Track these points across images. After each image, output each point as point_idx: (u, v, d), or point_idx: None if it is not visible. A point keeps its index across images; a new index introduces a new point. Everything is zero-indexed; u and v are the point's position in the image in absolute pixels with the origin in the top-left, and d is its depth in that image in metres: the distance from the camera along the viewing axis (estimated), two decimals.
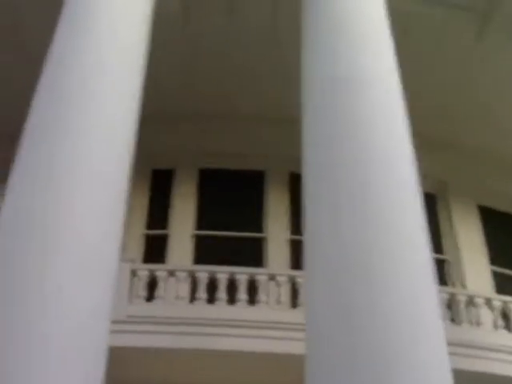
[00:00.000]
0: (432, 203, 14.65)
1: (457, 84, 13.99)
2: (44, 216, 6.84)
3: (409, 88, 8.72)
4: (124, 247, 7.68)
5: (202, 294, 10.89)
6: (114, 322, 7.23)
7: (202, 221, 14.10)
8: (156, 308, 10.68)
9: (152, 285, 11.03)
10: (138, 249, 13.43)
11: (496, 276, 14.00)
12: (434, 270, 6.94)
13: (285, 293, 11.02)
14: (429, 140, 13.79)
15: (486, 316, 11.50)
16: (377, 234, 6.81)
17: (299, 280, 10.95)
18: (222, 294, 10.91)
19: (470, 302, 11.54)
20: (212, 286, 11.05)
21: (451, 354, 6.44)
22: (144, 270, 11.12)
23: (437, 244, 13.62)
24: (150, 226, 14.05)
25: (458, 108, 14.50)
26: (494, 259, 14.30)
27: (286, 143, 13.53)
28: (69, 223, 6.85)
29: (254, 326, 10.37)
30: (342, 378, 6.07)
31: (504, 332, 11.39)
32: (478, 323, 11.38)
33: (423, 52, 13.24)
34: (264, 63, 13.70)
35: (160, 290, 10.91)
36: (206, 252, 13.49)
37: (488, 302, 11.64)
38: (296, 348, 9.03)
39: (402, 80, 8.53)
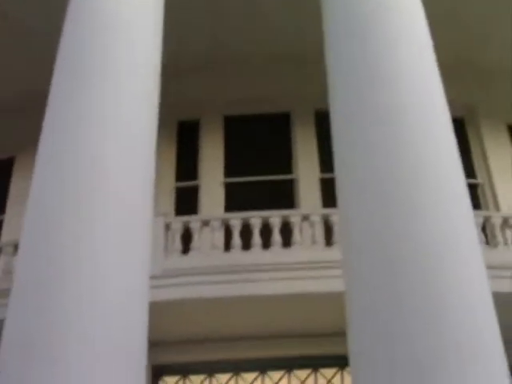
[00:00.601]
0: (461, 127, 14.50)
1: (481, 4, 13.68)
2: (75, 177, 6.91)
3: (436, 12, 8.56)
4: (156, 202, 7.72)
5: (237, 241, 10.94)
6: (152, 277, 7.30)
7: (232, 168, 14.12)
8: (192, 259, 10.74)
9: (186, 237, 11.10)
10: (170, 202, 13.51)
11: None
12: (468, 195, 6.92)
13: (319, 232, 11.03)
14: (456, 64, 13.62)
15: None
16: (410, 163, 6.78)
17: (333, 218, 10.95)
18: (256, 239, 10.95)
19: (505, 223, 11.47)
20: (246, 232, 11.09)
21: (489, 276, 6.44)
22: (177, 223, 11.18)
23: (468, 168, 13.52)
24: (179, 178, 14.10)
25: (482, 29, 14.21)
26: None
27: (309, 82, 13.46)
28: (101, 182, 6.91)
29: (290, 268, 10.42)
30: (383, 313, 6.10)
31: None
32: None
33: None
34: (282, 4, 13.49)
35: (195, 241, 10.97)
36: (237, 199, 13.52)
37: None
38: (334, 286, 9.09)
39: (429, 4, 8.39)
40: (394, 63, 7.56)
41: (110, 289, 6.41)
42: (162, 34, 8.85)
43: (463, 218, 6.66)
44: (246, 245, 10.94)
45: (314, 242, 10.92)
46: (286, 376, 11.46)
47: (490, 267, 6.71)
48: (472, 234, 6.63)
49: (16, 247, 10.93)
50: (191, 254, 10.88)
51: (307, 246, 10.92)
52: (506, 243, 11.26)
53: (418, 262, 6.20)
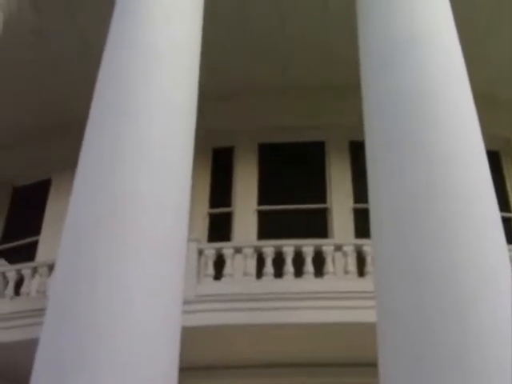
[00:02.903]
0: (497, 160, 14.44)
1: None
2: (111, 201, 7.00)
3: (469, 47, 8.59)
4: (190, 227, 7.78)
5: (269, 268, 10.93)
6: (184, 302, 7.35)
7: (265, 196, 14.17)
8: (224, 286, 10.75)
9: (219, 263, 11.12)
10: (203, 228, 13.59)
11: None
12: (502, 228, 6.88)
13: (351, 262, 11.00)
14: (491, 97, 13.58)
15: None
16: (444, 195, 6.79)
17: (365, 248, 10.93)
18: (288, 267, 10.93)
19: None
20: (278, 260, 11.07)
21: None
22: (210, 249, 11.21)
23: (503, 202, 13.44)
24: (213, 204, 14.19)
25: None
26: None
27: (344, 112, 13.52)
28: (136, 208, 7.00)
29: (322, 298, 10.39)
30: (414, 344, 6.09)
31: None
32: None
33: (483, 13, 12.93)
34: (320, 32, 13.57)
35: (227, 268, 10.99)
36: (270, 227, 13.56)
37: None
38: (366, 317, 9.05)
39: (461, 40, 8.42)
40: (429, 96, 7.58)
41: (143, 313, 6.46)
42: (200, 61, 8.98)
43: (498, 252, 6.63)
44: (279, 273, 10.93)
45: (346, 271, 10.89)
46: None
47: None
48: (506, 269, 6.59)
49: (51, 268, 11.06)
50: (223, 280, 10.90)
51: (339, 276, 10.90)
52: None
53: (452, 298, 6.18)
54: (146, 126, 7.64)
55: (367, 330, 7.65)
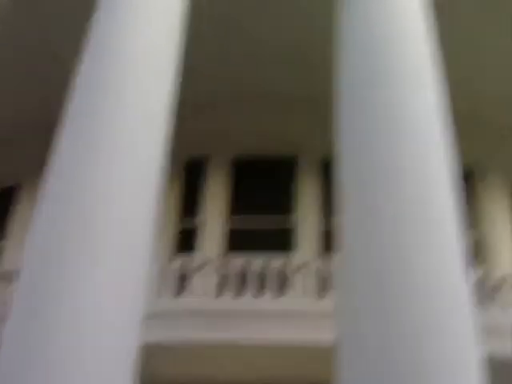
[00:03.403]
0: (468, 183, 14.53)
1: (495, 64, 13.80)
2: (80, 212, 6.99)
3: (448, 68, 8.68)
4: (156, 239, 7.75)
5: (232, 285, 10.93)
6: (146, 316, 7.30)
7: (234, 210, 14.13)
8: (185, 302, 10.74)
9: (182, 278, 11.10)
10: (169, 241, 13.51)
11: None
12: (467, 249, 6.96)
13: (314, 282, 11.01)
14: (465, 119, 13.68)
15: None
16: (412, 217, 6.86)
17: (329, 268, 10.96)
18: (252, 284, 10.93)
19: (504, 281, 11.45)
20: (242, 277, 11.08)
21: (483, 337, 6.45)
22: (175, 263, 11.20)
23: (472, 223, 13.53)
24: (181, 217, 14.12)
25: (495, 88, 14.31)
26: None
27: (317, 128, 13.55)
28: (104, 218, 6.99)
29: (283, 316, 10.38)
30: (374, 366, 6.11)
31: None
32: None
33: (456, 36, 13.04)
34: (299, 49, 13.62)
35: (190, 283, 10.97)
36: (236, 242, 13.53)
37: None
38: (326, 336, 9.04)
39: (447, 64, 8.52)
40: (404, 116, 7.65)
41: (104, 323, 6.45)
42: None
43: (460, 274, 6.69)
44: (242, 290, 10.93)
45: (308, 291, 10.90)
46: None
47: (484, 327, 6.72)
48: (467, 291, 6.65)
49: (16, 276, 10.94)
50: (185, 295, 10.86)
51: (301, 295, 10.90)
52: (502, 303, 11.23)
53: (413, 318, 6.24)
54: (119, 136, 7.63)
55: (327, 351, 7.65)
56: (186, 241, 13.75)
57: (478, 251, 13.63)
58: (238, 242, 13.48)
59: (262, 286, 10.93)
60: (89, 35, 8.77)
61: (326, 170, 13.31)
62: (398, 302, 6.36)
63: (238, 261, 11.18)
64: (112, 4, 9.00)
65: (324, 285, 11.06)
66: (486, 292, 11.39)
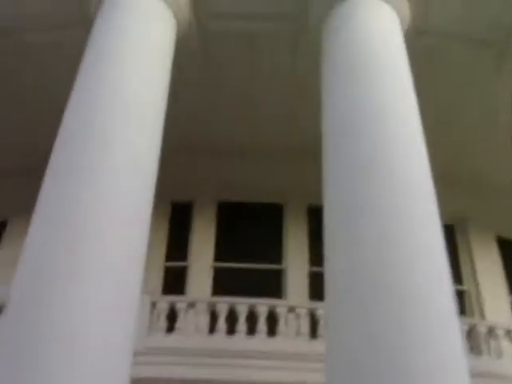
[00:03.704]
0: (451, 234, 14.63)
1: (476, 119, 14.00)
2: (68, 250, 7.01)
3: (428, 124, 8.80)
4: (144, 279, 7.75)
5: (222, 325, 10.92)
6: (134, 353, 7.27)
7: (221, 253, 14.14)
8: (176, 339, 10.71)
9: (172, 316, 11.07)
10: (157, 281, 13.48)
11: None
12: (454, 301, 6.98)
13: (304, 324, 11.01)
14: (448, 174, 13.82)
15: (507, 347, 11.43)
16: (400, 268, 6.90)
17: (319, 312, 10.96)
18: (241, 325, 10.93)
19: (490, 332, 11.48)
20: (231, 318, 11.07)
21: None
22: (164, 302, 11.18)
23: (456, 275, 13.60)
24: (169, 257, 14.11)
25: (477, 144, 14.49)
26: None
27: (304, 177, 13.64)
28: (93, 257, 7.00)
29: (273, 357, 10.38)
30: None
31: None
32: (498, 354, 11.32)
33: (441, 88, 13.26)
34: (282, 99, 13.77)
35: (180, 322, 10.95)
36: (225, 284, 13.51)
37: (508, 332, 11.58)
38: (316, 379, 9.03)
39: (421, 116, 8.62)
40: (388, 165, 7.73)
41: (92, 361, 6.40)
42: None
43: (448, 323, 6.71)
44: (231, 330, 10.91)
45: (298, 333, 10.90)
46: None
47: (473, 375, 6.73)
48: (457, 341, 6.67)
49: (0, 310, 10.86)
50: (175, 333, 10.84)
51: (292, 337, 10.90)
52: (489, 353, 11.25)
53: (404, 368, 6.21)
54: (108, 175, 7.67)
55: None
56: (172, 282, 13.71)
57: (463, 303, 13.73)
58: (225, 285, 13.46)
59: (252, 327, 10.91)
60: (77, 80, 8.85)
61: (314, 217, 13.38)
62: (387, 341, 6.38)
63: (227, 302, 11.16)
64: (100, 50, 9.11)
65: (315, 328, 11.06)
66: (474, 341, 11.43)
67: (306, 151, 13.16)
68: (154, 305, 11.08)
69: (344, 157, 8.07)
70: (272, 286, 13.56)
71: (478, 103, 13.56)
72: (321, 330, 10.79)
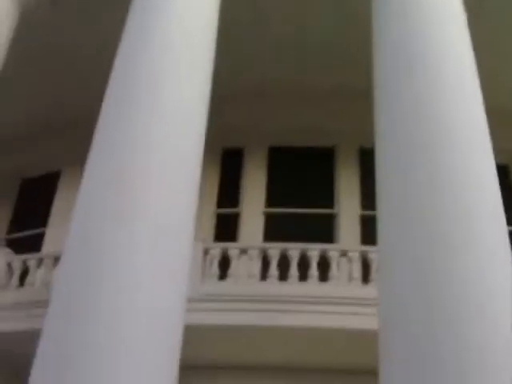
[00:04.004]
0: (506, 174, 14.42)
1: None
2: (120, 196, 7.04)
3: (482, 62, 8.60)
4: (196, 226, 7.79)
5: (274, 271, 10.97)
6: (188, 300, 7.35)
7: (273, 198, 14.17)
8: (229, 286, 10.81)
9: (224, 263, 11.16)
10: (209, 228, 13.60)
11: None
12: (509, 242, 6.87)
13: (356, 268, 11.01)
14: (502, 111, 13.55)
15: None
16: (452, 206, 6.78)
17: (371, 256, 10.94)
18: (293, 270, 10.97)
19: None
20: (284, 263, 11.11)
21: None
22: (216, 249, 11.26)
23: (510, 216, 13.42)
24: (220, 204, 14.21)
25: None
26: None
27: (355, 118, 13.49)
28: (144, 204, 7.03)
29: (326, 302, 10.42)
30: (416, 354, 6.08)
31: None
32: None
33: (496, 27, 12.91)
34: (333, 38, 13.58)
35: (232, 268, 11.04)
36: (277, 229, 13.56)
37: None
38: (369, 323, 9.05)
39: (475, 54, 8.41)
40: (441, 106, 7.58)
41: (146, 307, 6.49)
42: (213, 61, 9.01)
43: (505, 267, 6.62)
44: (283, 276, 10.96)
45: (350, 278, 10.91)
46: None
47: None
48: (510, 281, 6.59)
49: (56, 260, 11.10)
50: (228, 280, 10.95)
51: (344, 282, 10.92)
52: None
53: (457, 310, 6.17)
54: (158, 122, 7.68)
55: (370, 337, 7.63)
56: (224, 229, 13.82)
57: None
58: (277, 231, 13.51)
59: (304, 272, 10.95)
60: (124, 31, 8.83)
61: (366, 160, 13.27)
62: (440, 288, 6.32)
63: (279, 247, 11.21)
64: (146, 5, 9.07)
65: (367, 272, 11.06)
66: None
67: (356, 92, 13.00)
68: (206, 252, 11.17)
69: (396, 96, 7.93)
70: (324, 230, 13.58)
71: None
72: (373, 274, 10.78)
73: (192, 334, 7.72)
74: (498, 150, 7.99)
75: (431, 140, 7.29)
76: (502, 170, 10.33)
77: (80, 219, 7.13)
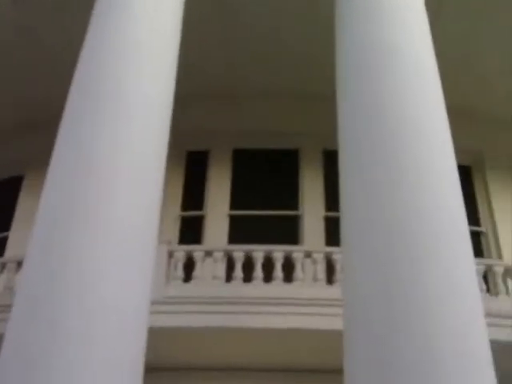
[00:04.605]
0: (467, 175, 14.57)
1: (495, 54, 13.81)
2: (84, 198, 6.98)
3: (444, 60, 8.68)
4: (160, 229, 7.77)
5: (239, 273, 10.98)
6: (152, 302, 7.33)
7: (238, 201, 14.17)
8: (193, 288, 10.80)
9: (189, 265, 11.14)
10: (174, 230, 13.58)
11: None
12: (471, 242, 6.95)
13: (321, 269, 11.06)
14: (464, 112, 13.70)
15: None
16: (415, 207, 6.82)
17: (335, 257, 11.00)
18: (258, 272, 10.99)
19: (507, 272, 11.50)
20: (248, 265, 11.12)
21: (488, 324, 6.46)
22: (181, 251, 11.24)
23: (473, 216, 13.58)
24: (185, 207, 14.17)
25: (494, 78, 14.32)
26: None
27: (319, 120, 13.57)
28: (108, 207, 6.98)
29: (290, 303, 10.45)
30: (380, 353, 6.12)
31: None
32: None
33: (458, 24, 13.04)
34: (297, 41, 13.63)
35: (197, 271, 11.03)
36: (241, 231, 13.56)
37: None
38: (333, 324, 9.09)
39: (436, 52, 8.49)
40: (403, 107, 7.63)
41: (111, 310, 6.45)
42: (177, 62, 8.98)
43: (465, 264, 6.70)
44: (248, 277, 10.97)
45: (315, 279, 10.95)
46: None
47: (489, 315, 6.74)
48: (473, 281, 6.67)
49: (19, 264, 11.00)
50: (193, 282, 10.93)
51: (308, 283, 10.95)
52: (507, 292, 11.27)
53: (419, 305, 6.22)
54: (122, 126, 7.63)
55: (334, 338, 7.68)
56: (188, 231, 13.79)
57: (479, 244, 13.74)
58: (242, 233, 13.51)
59: (269, 273, 10.98)
60: (90, 26, 8.77)
61: (330, 162, 13.33)
62: (403, 288, 6.36)
63: (244, 249, 11.22)
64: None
65: (331, 273, 11.12)
66: (492, 282, 11.46)
67: (319, 95, 13.06)
68: (171, 254, 11.14)
69: (358, 98, 7.98)
70: (288, 232, 13.61)
71: (499, 36, 13.35)
72: (338, 275, 10.84)
73: (156, 337, 7.71)
74: (460, 151, 8.09)
75: (393, 141, 7.33)
76: (463, 171, 10.47)
77: (43, 222, 7.06)
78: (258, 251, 11.16)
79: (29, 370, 6.00)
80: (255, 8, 13.00)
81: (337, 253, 10.76)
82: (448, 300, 6.28)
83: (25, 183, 15.05)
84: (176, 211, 13.93)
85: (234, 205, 14.09)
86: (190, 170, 14.81)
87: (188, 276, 11.00)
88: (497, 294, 11.27)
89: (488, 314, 6.61)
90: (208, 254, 11.19)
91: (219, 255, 11.11)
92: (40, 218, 7.11)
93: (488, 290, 11.38)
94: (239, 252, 11.16)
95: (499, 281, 11.40)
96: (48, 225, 6.99)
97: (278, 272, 10.97)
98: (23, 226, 13.25)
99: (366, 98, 7.87)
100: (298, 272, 11.02)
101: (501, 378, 6.17)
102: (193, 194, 14.37)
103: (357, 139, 7.66)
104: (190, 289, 10.77)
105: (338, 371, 6.90)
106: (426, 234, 6.67)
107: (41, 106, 14.56)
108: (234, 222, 13.85)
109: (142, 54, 8.33)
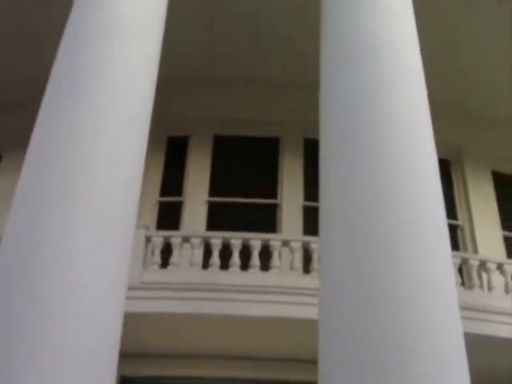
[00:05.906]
0: (446, 169, 14.67)
1: (475, 51, 13.88)
2: (62, 180, 6.93)
3: (427, 54, 8.71)
4: (139, 214, 7.75)
5: (216, 260, 10.99)
6: (129, 288, 7.31)
7: (217, 187, 14.17)
8: (170, 274, 10.78)
9: (166, 251, 11.14)
10: (152, 215, 13.55)
11: (508, 241, 14.07)
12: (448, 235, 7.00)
13: (298, 258, 11.09)
14: (446, 106, 13.77)
15: (498, 280, 11.55)
16: (393, 199, 6.83)
17: (313, 246, 11.02)
18: (235, 259, 11.00)
19: (482, 266, 11.60)
20: (226, 252, 11.13)
21: (463, 318, 6.51)
22: (158, 237, 11.22)
23: (450, 209, 13.67)
24: (164, 192, 14.15)
25: (476, 74, 14.40)
26: (506, 224, 14.34)
27: (301, 109, 13.59)
28: (87, 189, 6.94)
29: (267, 292, 10.47)
30: (356, 344, 6.15)
31: None
32: (490, 288, 11.45)
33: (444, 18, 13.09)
34: (280, 29, 13.62)
35: (174, 257, 11.02)
36: (220, 219, 13.58)
37: (500, 266, 11.69)
38: (309, 313, 9.14)
39: (420, 46, 8.52)
40: (386, 99, 7.65)
41: (87, 294, 6.42)
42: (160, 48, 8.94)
43: (442, 257, 6.74)
44: (225, 265, 10.98)
45: (292, 267, 10.98)
46: None
47: (464, 309, 6.79)
48: (449, 273, 6.72)
49: None
50: (170, 268, 10.92)
51: (285, 272, 10.98)
52: (481, 286, 11.37)
53: (395, 298, 6.25)
54: (103, 108, 7.58)
55: (310, 327, 7.71)
56: (167, 217, 13.78)
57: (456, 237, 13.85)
58: (220, 220, 13.53)
59: (246, 261, 10.99)
60: (73, 9, 8.70)
61: (310, 151, 13.36)
62: (380, 278, 6.38)
63: (222, 236, 11.23)
64: None
65: (308, 262, 11.15)
66: (467, 275, 11.56)
67: (301, 84, 13.07)
68: (148, 240, 11.13)
69: (340, 88, 7.98)
70: (267, 220, 13.63)
71: (481, 31, 13.41)
72: (315, 264, 10.87)
73: (132, 322, 7.71)
74: (439, 145, 8.12)
75: (373, 131, 7.33)
76: (442, 165, 10.52)
77: (21, 202, 7.02)
78: (236, 239, 11.17)
79: (7, 344, 5.98)
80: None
81: (314, 242, 10.77)
82: (423, 290, 6.32)
83: (3, 164, 14.93)
84: (155, 196, 13.90)
85: (212, 191, 14.08)
86: (170, 155, 14.77)
87: (165, 262, 10.99)
88: (471, 287, 11.36)
89: (462, 307, 6.64)
90: (185, 240, 11.17)
91: (197, 241, 11.10)
92: (18, 198, 7.06)
93: (463, 283, 11.47)
94: (217, 239, 11.16)
95: (474, 274, 11.50)
96: (26, 205, 6.94)
97: (256, 260, 10.99)
98: (1, 207, 13.16)
99: (348, 88, 7.87)
100: (275, 260, 11.05)
101: (471, 371, 6.22)
102: (172, 180, 14.34)
103: (338, 130, 7.67)
104: (166, 275, 10.76)
105: (312, 361, 6.92)
106: (405, 226, 6.69)
107: (17, 85, 14.41)
108: (212, 208, 13.85)
109: (125, 37, 8.28)
